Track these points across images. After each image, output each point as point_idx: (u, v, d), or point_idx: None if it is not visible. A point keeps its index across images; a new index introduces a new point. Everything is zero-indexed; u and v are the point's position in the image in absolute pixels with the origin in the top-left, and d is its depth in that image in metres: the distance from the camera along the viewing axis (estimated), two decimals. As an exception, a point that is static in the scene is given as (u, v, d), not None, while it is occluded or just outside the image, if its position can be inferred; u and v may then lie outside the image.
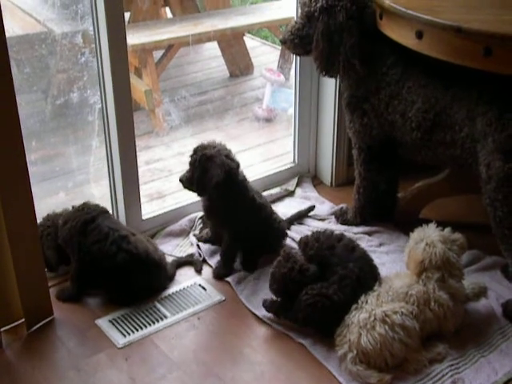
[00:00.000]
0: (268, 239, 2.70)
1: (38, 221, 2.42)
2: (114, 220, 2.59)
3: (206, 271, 2.68)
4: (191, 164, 2.53)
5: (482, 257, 2.69)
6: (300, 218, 2.95)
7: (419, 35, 2.30)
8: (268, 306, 2.38)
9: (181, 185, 2.61)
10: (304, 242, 2.41)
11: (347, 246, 2.39)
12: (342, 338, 2.17)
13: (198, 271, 2.66)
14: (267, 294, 2.49)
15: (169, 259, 2.67)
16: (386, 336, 2.10)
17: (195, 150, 2.53)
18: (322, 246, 2.37)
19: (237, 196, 2.57)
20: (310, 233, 2.65)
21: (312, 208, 3.00)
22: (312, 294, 2.25)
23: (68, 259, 2.53)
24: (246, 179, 2.64)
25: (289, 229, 2.83)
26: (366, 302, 2.21)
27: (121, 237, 2.45)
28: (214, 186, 2.47)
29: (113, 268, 2.42)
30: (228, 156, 2.52)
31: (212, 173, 2.46)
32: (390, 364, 2.12)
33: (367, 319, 2.14)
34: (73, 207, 2.55)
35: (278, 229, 2.72)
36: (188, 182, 2.55)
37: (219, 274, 2.63)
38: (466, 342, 2.28)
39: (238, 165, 2.56)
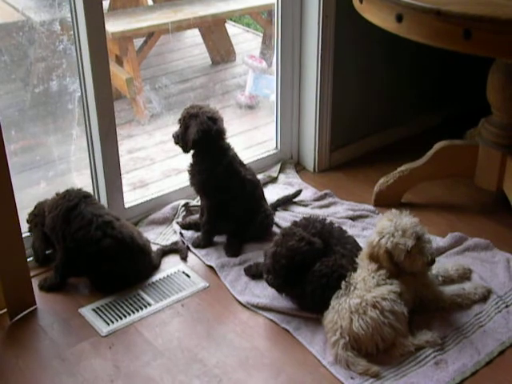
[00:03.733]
0: (254, 224, 2.70)
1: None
2: (98, 205, 2.57)
3: (191, 258, 2.67)
4: (179, 121, 2.61)
5: (464, 239, 2.70)
6: (286, 202, 2.95)
7: (399, 18, 2.31)
8: (269, 280, 2.35)
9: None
10: (304, 224, 2.43)
11: (341, 229, 2.47)
12: (332, 325, 2.17)
13: (184, 258, 2.66)
14: (251, 279, 2.50)
15: (153, 248, 2.66)
16: (378, 320, 2.12)
17: (184, 109, 2.61)
18: (323, 228, 2.41)
19: (217, 160, 2.60)
20: (294, 218, 2.67)
21: (299, 192, 3.00)
22: (328, 265, 2.27)
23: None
24: (230, 148, 2.66)
25: (273, 214, 2.84)
26: (355, 287, 2.21)
27: (105, 222, 2.45)
28: (192, 143, 2.54)
29: (98, 254, 2.41)
30: (210, 118, 2.56)
31: (190, 130, 2.53)
32: (380, 348, 2.14)
33: (359, 305, 2.15)
34: (57, 194, 2.53)
35: (266, 215, 2.73)
36: (176, 137, 2.63)
37: (193, 244, 2.69)
38: (449, 322, 2.29)
39: (219, 129, 2.58)
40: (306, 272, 2.28)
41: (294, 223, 2.47)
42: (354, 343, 2.13)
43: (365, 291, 2.18)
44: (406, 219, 2.23)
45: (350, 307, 2.15)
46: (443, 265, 2.51)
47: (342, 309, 2.17)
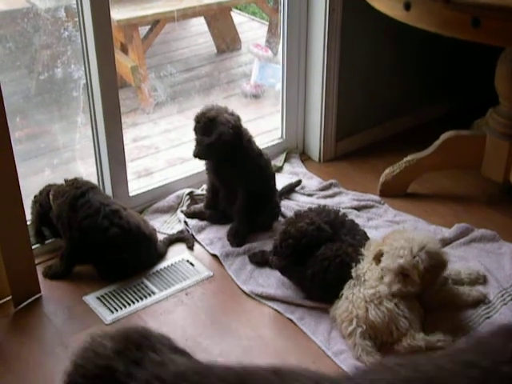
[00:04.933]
0: (265, 212, 2.69)
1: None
2: (105, 195, 2.56)
3: (195, 247, 2.66)
4: (198, 132, 2.53)
5: (470, 230, 2.68)
6: (289, 191, 2.95)
7: (407, 6, 2.28)
8: (274, 261, 2.37)
9: (196, 159, 2.61)
10: (318, 211, 2.44)
11: (353, 222, 2.47)
12: (347, 315, 2.16)
13: (190, 247, 2.65)
14: (256, 268, 2.50)
15: (160, 237, 2.65)
16: (393, 311, 2.11)
17: (198, 119, 2.54)
18: (336, 218, 2.41)
19: (245, 153, 2.60)
20: (300, 208, 2.67)
21: (299, 182, 3.00)
22: (332, 249, 2.27)
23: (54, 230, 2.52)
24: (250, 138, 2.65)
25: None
26: (364, 278, 2.20)
27: (112, 211, 2.43)
28: (222, 144, 2.49)
29: (104, 243, 2.40)
30: (228, 113, 2.55)
31: (219, 130, 2.47)
32: (395, 337, 2.12)
33: (373, 295, 2.14)
34: (65, 181, 2.52)
35: (276, 205, 2.73)
36: (202, 151, 2.53)
37: (235, 242, 2.62)
38: (455, 313, 2.28)
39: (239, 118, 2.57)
40: (310, 256, 2.29)
41: (309, 209, 2.48)
42: (370, 332, 2.13)
43: (376, 281, 2.17)
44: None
45: (365, 297, 2.15)
46: (456, 267, 2.42)
47: (356, 298, 2.16)
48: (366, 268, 2.23)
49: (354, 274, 2.23)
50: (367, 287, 2.17)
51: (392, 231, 2.36)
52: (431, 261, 2.13)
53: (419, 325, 2.17)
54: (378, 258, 2.20)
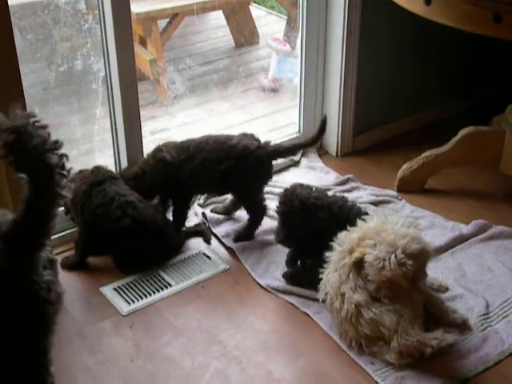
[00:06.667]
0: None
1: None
2: (123, 186, 2.57)
3: (211, 240, 2.67)
4: None
5: (488, 226, 2.67)
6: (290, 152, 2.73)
7: (427, 1, 2.27)
8: (288, 276, 2.40)
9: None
10: (324, 189, 2.45)
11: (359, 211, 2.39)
12: (345, 337, 2.15)
13: (207, 241, 2.65)
14: (272, 262, 2.50)
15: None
16: (375, 316, 2.05)
17: None
18: (351, 209, 2.36)
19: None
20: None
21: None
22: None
23: None
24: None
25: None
26: (330, 295, 2.15)
27: (127, 202, 2.44)
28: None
29: (116, 232, 2.42)
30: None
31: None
32: (386, 337, 2.06)
33: (348, 311, 2.08)
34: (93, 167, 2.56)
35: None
36: None
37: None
38: (474, 312, 2.27)
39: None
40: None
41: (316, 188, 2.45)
42: (371, 339, 2.09)
43: (338, 287, 2.10)
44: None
45: (346, 317, 2.09)
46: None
47: (341, 322, 2.12)
48: (328, 280, 2.16)
49: (322, 293, 2.18)
50: (338, 308, 2.11)
51: (366, 228, 2.13)
52: (417, 263, 2.01)
53: (414, 314, 2.06)
54: (358, 265, 2.08)
